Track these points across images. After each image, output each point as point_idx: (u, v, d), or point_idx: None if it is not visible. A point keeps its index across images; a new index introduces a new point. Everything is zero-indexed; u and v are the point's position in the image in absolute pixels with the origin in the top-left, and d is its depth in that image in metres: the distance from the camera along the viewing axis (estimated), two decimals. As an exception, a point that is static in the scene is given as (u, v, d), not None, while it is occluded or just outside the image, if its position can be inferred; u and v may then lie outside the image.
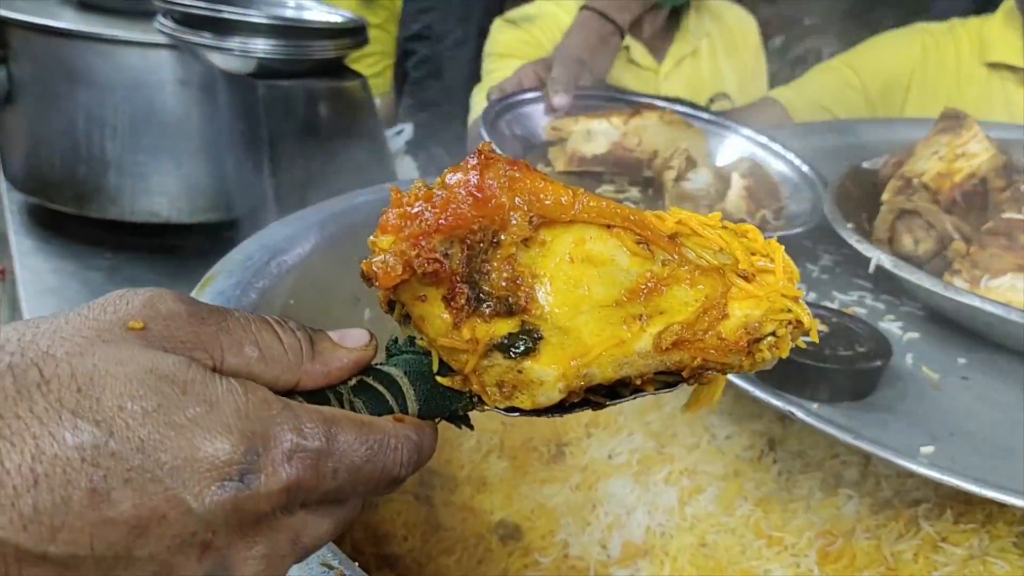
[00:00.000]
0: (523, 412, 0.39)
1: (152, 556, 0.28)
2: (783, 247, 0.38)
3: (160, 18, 1.51)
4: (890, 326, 0.75)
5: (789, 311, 0.37)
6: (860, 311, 0.78)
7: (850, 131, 1.14)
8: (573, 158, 0.92)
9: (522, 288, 0.39)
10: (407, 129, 1.71)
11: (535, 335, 0.39)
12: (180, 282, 1.87)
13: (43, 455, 0.25)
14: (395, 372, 0.39)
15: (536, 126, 1.00)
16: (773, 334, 0.38)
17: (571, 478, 0.88)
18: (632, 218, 0.40)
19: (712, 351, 0.38)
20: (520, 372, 0.38)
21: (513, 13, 1.57)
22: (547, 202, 0.39)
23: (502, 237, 0.39)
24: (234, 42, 1.43)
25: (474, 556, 0.83)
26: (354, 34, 1.54)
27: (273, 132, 1.52)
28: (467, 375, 0.38)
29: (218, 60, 1.50)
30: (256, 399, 0.31)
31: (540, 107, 1.02)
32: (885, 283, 0.80)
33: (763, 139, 1.00)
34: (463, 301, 0.38)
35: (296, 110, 1.52)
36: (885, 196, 0.86)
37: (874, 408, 0.64)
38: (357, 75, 1.59)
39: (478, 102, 1.51)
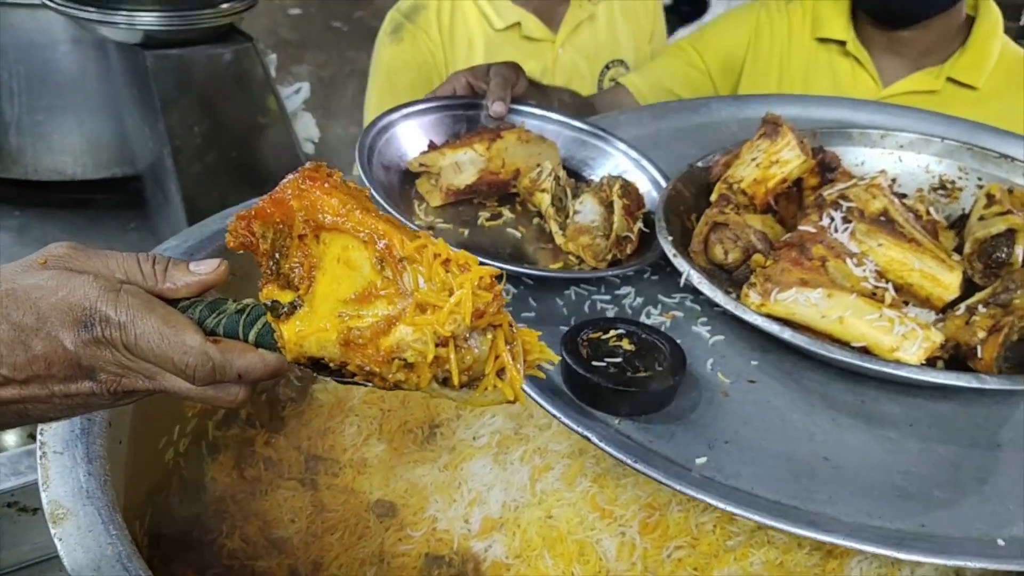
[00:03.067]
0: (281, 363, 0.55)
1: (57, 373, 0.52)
2: (467, 291, 0.48)
3: (46, -11, 1.49)
4: (701, 329, 0.86)
5: (426, 343, 0.48)
6: (679, 314, 0.88)
7: (704, 110, 1.21)
8: (448, 192, 0.98)
9: (304, 271, 0.53)
10: (304, 88, 1.73)
11: (294, 306, 0.53)
12: (90, 236, 1.91)
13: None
14: (229, 304, 0.56)
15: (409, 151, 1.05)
16: (404, 360, 0.49)
17: (440, 459, 1.00)
18: (382, 237, 0.50)
19: (366, 356, 0.50)
20: (275, 330, 0.53)
21: (404, 2, 1.58)
22: (319, 214, 0.52)
23: (291, 231, 0.53)
24: (120, 16, 1.43)
25: (354, 533, 0.95)
26: (240, -1, 1.53)
27: (164, 98, 1.53)
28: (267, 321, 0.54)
29: (106, 32, 1.50)
30: (99, 285, 0.52)
31: (417, 123, 1.07)
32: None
33: (624, 147, 1.09)
34: (266, 270, 0.54)
35: (185, 77, 1.54)
36: (713, 197, 0.95)
37: (669, 419, 0.75)
38: (247, 38, 1.60)
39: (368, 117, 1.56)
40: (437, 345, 0.48)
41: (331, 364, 0.52)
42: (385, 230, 0.51)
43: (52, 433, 0.71)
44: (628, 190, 0.98)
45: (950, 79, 1.38)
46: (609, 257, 0.93)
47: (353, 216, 0.52)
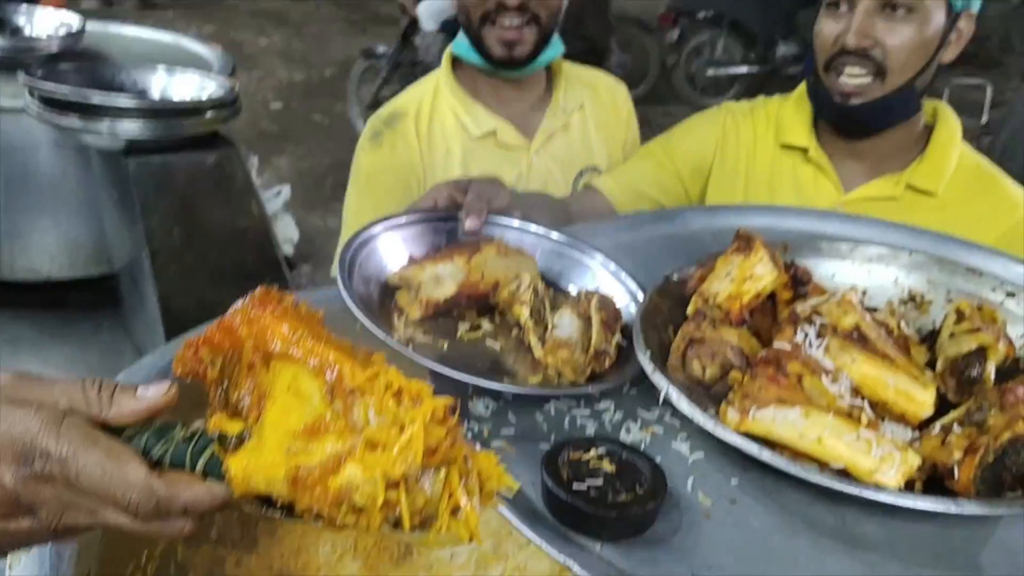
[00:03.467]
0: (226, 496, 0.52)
1: None
2: (419, 427, 0.46)
3: (28, 97, 1.51)
4: (681, 446, 0.86)
5: (375, 485, 0.46)
6: (658, 430, 0.88)
7: (679, 220, 1.24)
8: (428, 306, 0.99)
9: (253, 400, 0.52)
10: (285, 190, 1.75)
11: (242, 439, 0.51)
12: (63, 337, 1.89)
13: None
14: (177, 430, 0.54)
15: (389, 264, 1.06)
16: (352, 503, 0.47)
17: (417, 577, 0.97)
18: (332, 366, 0.50)
19: (314, 498, 0.47)
20: (223, 463, 0.51)
21: (384, 110, 1.63)
22: (268, 341, 0.52)
23: (239, 360, 0.53)
24: (103, 124, 1.45)
25: (328, 658, 0.92)
26: (225, 107, 1.57)
27: (144, 201, 1.54)
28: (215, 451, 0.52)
29: (88, 139, 1.51)
30: (40, 417, 0.51)
31: (391, 241, 1.08)
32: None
33: (601, 259, 1.11)
34: (214, 398, 0.53)
35: (166, 181, 1.56)
36: (689, 311, 0.96)
37: (651, 543, 0.74)
38: (230, 143, 1.62)
39: (348, 224, 1.59)
40: (387, 487, 0.47)
41: (279, 502, 0.50)
42: (336, 358, 0.51)
43: (21, 569, 0.68)
44: (606, 304, 1.00)
45: (909, 186, 1.43)
46: (588, 371, 0.93)
47: (304, 343, 0.51)
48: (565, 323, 0.98)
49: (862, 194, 1.46)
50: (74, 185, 1.83)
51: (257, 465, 0.50)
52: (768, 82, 7.90)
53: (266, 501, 0.51)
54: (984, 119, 5.14)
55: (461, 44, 1.60)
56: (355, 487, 0.47)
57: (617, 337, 0.97)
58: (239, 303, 0.53)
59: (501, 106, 1.60)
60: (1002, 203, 1.44)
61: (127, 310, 1.85)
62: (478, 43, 1.53)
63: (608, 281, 1.09)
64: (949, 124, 1.45)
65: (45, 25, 2.16)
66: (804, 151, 1.49)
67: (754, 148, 1.54)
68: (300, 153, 6.28)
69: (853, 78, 1.33)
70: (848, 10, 1.33)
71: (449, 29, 5.25)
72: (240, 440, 0.51)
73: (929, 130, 1.46)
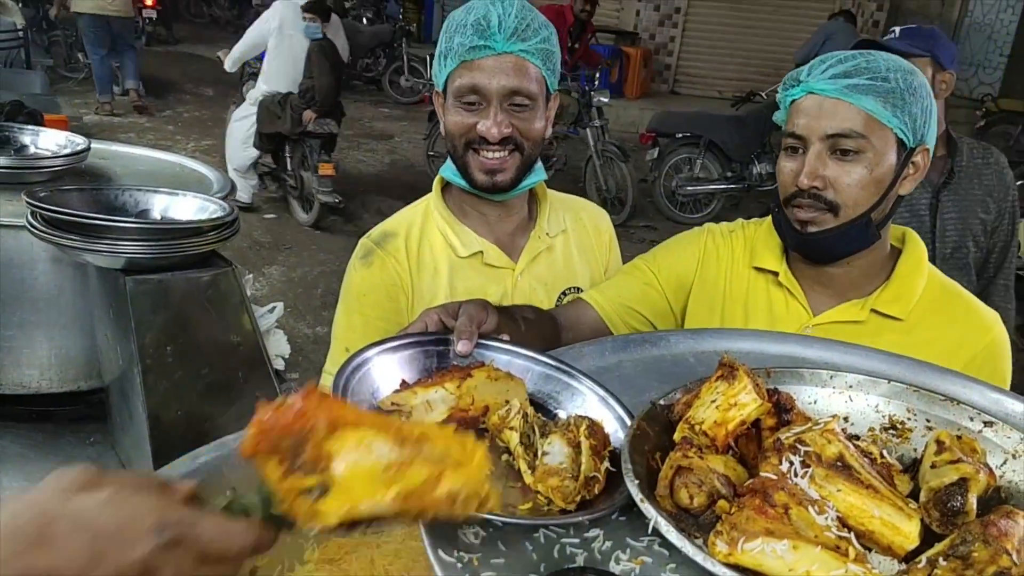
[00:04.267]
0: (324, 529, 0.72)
1: None
2: (483, 451, 0.77)
3: (29, 217, 1.55)
4: (670, 577, 0.86)
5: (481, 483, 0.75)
6: (648, 560, 0.88)
7: (663, 343, 1.28)
8: None
9: (323, 461, 0.72)
10: (279, 307, 1.78)
11: (324, 487, 0.71)
12: (49, 450, 1.88)
13: None
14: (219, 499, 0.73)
15: (381, 387, 1.08)
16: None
17: None
18: (394, 428, 0.75)
19: (429, 503, 0.73)
20: (315, 507, 0.71)
21: (376, 231, 1.68)
22: (341, 417, 0.74)
23: (310, 435, 0.72)
24: (103, 244, 1.48)
25: None
26: (224, 228, 1.61)
27: (139, 319, 1.56)
28: (291, 506, 0.72)
29: (89, 258, 1.55)
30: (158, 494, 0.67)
31: (383, 364, 1.10)
32: (668, 532, 0.91)
33: (589, 383, 1.13)
34: (286, 467, 0.72)
35: (162, 299, 1.58)
36: (676, 437, 0.98)
37: None
38: (227, 263, 1.66)
39: (338, 339, 1.63)
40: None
41: (367, 519, 0.73)
42: (391, 422, 0.76)
43: None
44: (595, 430, 1.01)
45: (875, 311, 1.47)
46: (578, 498, 0.94)
47: (367, 417, 0.76)
48: (555, 450, 0.99)
49: (829, 317, 1.50)
50: (69, 300, 1.86)
51: (356, 497, 0.71)
52: (745, 197, 8.16)
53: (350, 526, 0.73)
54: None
55: (448, 168, 1.66)
56: (459, 490, 0.74)
57: (606, 463, 0.99)
58: (297, 398, 0.72)
59: (487, 228, 1.66)
60: (972, 326, 1.48)
61: (114, 424, 1.84)
62: (463, 169, 1.60)
63: (596, 405, 1.11)
64: (915, 251, 1.51)
65: (49, 144, 2.23)
66: (775, 275, 1.55)
67: (731, 268, 1.60)
68: (291, 263, 6.36)
69: (808, 211, 1.40)
70: (803, 152, 1.41)
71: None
72: (324, 489, 0.71)
73: (897, 254, 1.52)
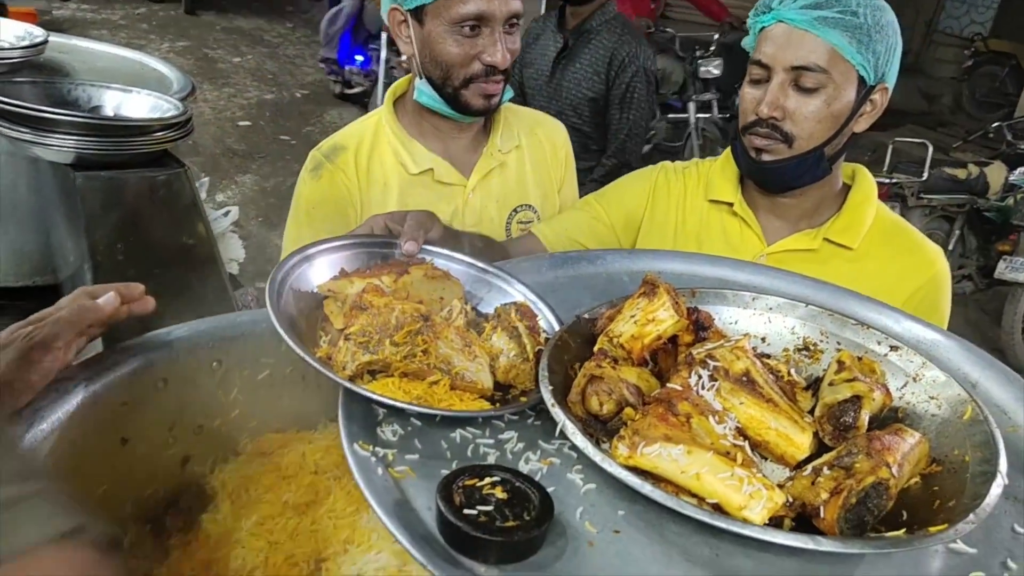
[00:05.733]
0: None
1: None
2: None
3: (-23, 107, 1.53)
4: (574, 477, 0.90)
5: None
6: (556, 461, 0.93)
7: (600, 261, 1.30)
8: (350, 316, 1.04)
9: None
10: (233, 211, 1.79)
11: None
12: (6, 345, 1.89)
13: None
14: None
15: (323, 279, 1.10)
16: None
17: (323, 595, 1.00)
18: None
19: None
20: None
21: (325, 144, 1.67)
22: None
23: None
24: (53, 138, 1.47)
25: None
26: (177, 127, 1.60)
27: (90, 215, 1.57)
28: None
29: (39, 151, 1.54)
30: None
31: (327, 260, 1.13)
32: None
33: (523, 289, 1.16)
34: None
35: (113, 197, 1.58)
36: (596, 349, 1.02)
37: (535, 568, 0.79)
38: (179, 164, 1.65)
39: (287, 251, 1.63)
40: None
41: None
42: None
43: None
44: (523, 312, 1.06)
45: (827, 239, 1.51)
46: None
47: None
48: (497, 342, 1.04)
49: (783, 246, 1.54)
50: (24, 195, 1.85)
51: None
52: (729, 127, 8.04)
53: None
54: (924, 175, 5.33)
55: (425, 93, 1.62)
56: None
57: (544, 335, 1.03)
58: None
59: (440, 144, 1.66)
60: (917, 259, 1.53)
61: (68, 321, 1.86)
62: (453, 97, 1.57)
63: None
64: (865, 185, 1.55)
65: (8, 36, 2.18)
66: (730, 205, 1.57)
67: (684, 203, 1.62)
68: (265, 172, 6.30)
69: (763, 139, 1.42)
70: (766, 81, 1.42)
71: None
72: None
73: (847, 190, 1.55)
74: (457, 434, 0.95)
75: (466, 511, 0.79)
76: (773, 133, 1.44)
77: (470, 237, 1.44)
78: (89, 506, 0.86)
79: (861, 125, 1.47)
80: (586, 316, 1.07)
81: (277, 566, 1.04)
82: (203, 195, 1.83)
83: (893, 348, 1.05)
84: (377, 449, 0.89)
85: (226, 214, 1.78)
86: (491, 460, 0.92)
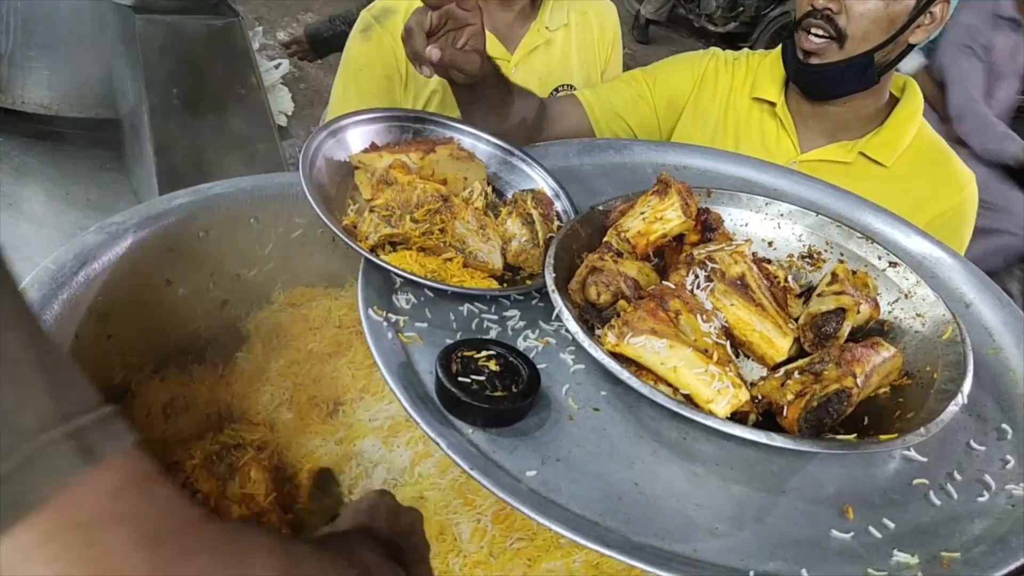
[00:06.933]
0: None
1: None
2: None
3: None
4: (566, 357, 0.99)
5: None
6: (552, 341, 1.01)
7: (627, 151, 1.33)
8: (377, 188, 1.10)
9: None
10: (284, 64, 1.83)
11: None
12: (66, 170, 2.02)
13: None
14: None
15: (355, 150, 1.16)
16: None
17: (338, 433, 1.13)
18: None
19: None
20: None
21: (376, 5, 1.67)
22: None
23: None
24: (115, -21, 1.52)
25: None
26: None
27: (147, 59, 1.64)
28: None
29: (102, -10, 1.59)
30: None
31: (360, 132, 1.18)
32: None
33: (545, 175, 1.21)
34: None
35: (170, 42, 1.65)
36: (604, 240, 1.08)
37: (516, 434, 0.88)
38: (235, 12, 1.70)
39: (333, 110, 1.65)
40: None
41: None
42: None
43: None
44: (539, 199, 1.12)
45: (862, 154, 1.50)
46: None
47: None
48: (512, 227, 1.10)
49: (817, 156, 1.53)
50: (88, 31, 1.92)
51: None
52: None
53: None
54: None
55: None
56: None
57: (557, 223, 1.10)
58: None
59: (487, 15, 1.64)
60: (948, 182, 1.51)
61: (127, 155, 1.97)
62: None
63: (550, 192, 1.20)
64: (913, 100, 1.51)
65: None
66: (772, 105, 1.56)
67: (729, 96, 1.60)
68: (326, 11, 6.20)
69: (815, 38, 1.39)
70: None
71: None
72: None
73: (894, 104, 1.52)
74: (465, 308, 1.03)
75: (461, 379, 0.88)
76: (827, 27, 1.40)
77: (519, 88, 1.44)
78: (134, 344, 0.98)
79: (918, 36, 1.42)
80: (600, 208, 1.12)
81: (301, 404, 1.16)
82: (256, 45, 1.88)
83: (892, 264, 1.08)
84: (390, 315, 0.98)
85: (277, 66, 1.83)
86: (492, 335, 1.01)
